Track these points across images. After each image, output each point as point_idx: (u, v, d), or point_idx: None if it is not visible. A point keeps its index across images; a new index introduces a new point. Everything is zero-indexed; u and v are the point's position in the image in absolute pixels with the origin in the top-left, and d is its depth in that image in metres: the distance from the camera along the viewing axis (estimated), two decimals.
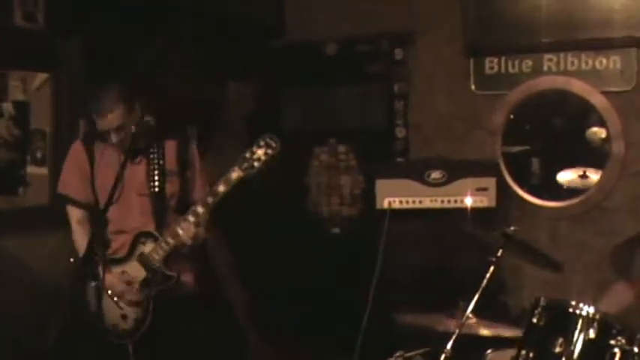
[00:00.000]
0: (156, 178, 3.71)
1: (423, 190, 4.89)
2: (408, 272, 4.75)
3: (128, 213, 3.71)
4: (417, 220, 4.88)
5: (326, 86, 5.72)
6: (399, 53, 5.47)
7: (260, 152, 3.52)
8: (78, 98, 4.52)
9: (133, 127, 3.54)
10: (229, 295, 5.44)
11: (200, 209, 3.58)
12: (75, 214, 3.82)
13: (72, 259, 3.67)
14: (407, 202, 4.91)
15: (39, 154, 4.46)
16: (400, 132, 5.49)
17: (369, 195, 5.24)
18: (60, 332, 2.71)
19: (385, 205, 4.90)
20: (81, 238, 3.70)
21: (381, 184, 4.97)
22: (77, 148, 3.83)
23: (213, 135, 5.38)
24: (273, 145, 3.53)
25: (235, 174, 3.53)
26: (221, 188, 3.55)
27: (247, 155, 3.52)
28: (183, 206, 3.71)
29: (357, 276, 4.75)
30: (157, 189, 3.71)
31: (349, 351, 4.30)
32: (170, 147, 3.79)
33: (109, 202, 3.31)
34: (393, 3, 5.45)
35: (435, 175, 4.89)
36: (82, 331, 3.51)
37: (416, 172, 4.93)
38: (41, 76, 4.44)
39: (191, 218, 3.58)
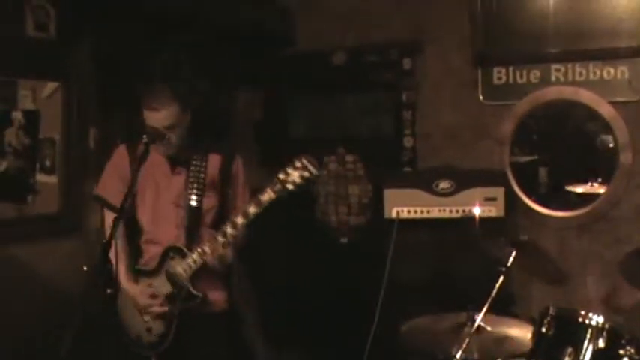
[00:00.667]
0: (194, 191, 3.58)
1: (431, 200, 4.88)
2: (415, 282, 4.75)
3: (161, 223, 3.61)
4: (425, 230, 4.89)
5: (335, 95, 5.72)
6: (407, 63, 5.47)
7: (295, 175, 3.37)
8: (88, 107, 4.54)
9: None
10: (239, 305, 5.43)
11: (229, 230, 3.44)
12: (110, 217, 3.68)
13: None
14: (415, 211, 4.90)
15: (48, 163, 4.47)
16: (408, 141, 5.49)
17: (377, 204, 5.24)
18: (72, 341, 2.71)
19: (393, 214, 4.89)
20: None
21: (389, 194, 4.96)
22: (121, 152, 3.73)
23: (223, 143, 5.38)
24: (312, 170, 3.39)
25: (267, 196, 3.39)
26: (252, 210, 3.41)
27: (281, 177, 3.38)
28: (221, 223, 3.56)
29: (366, 285, 4.75)
30: (193, 202, 3.59)
31: (358, 359, 4.31)
32: (214, 161, 3.66)
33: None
34: (401, 13, 5.46)
35: (443, 184, 4.89)
36: (98, 339, 3.49)
37: (424, 181, 4.93)
38: (51, 85, 4.45)
39: (220, 238, 3.45)
